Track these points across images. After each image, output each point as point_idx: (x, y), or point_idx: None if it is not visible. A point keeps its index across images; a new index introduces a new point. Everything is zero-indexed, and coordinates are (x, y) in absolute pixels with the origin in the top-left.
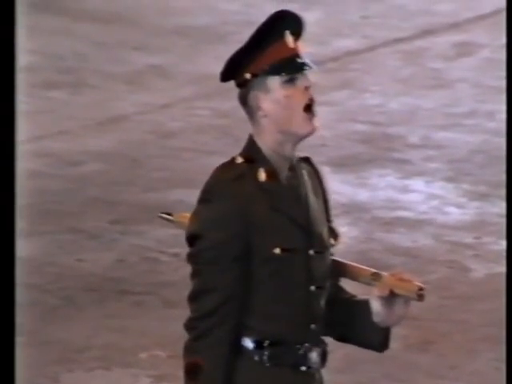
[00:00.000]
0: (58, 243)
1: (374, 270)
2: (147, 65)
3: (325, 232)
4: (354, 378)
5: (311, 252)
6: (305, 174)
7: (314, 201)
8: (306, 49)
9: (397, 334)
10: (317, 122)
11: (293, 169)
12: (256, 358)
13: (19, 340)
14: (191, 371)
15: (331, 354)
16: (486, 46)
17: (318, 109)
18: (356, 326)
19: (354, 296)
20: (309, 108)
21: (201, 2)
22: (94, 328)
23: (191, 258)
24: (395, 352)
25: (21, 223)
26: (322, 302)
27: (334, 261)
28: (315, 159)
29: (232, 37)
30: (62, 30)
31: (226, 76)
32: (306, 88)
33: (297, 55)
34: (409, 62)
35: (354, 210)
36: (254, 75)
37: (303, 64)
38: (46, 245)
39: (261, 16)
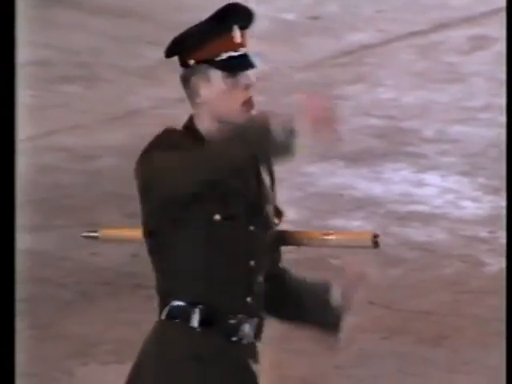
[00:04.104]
0: (73, 237)
1: (322, 231)
2: (161, 59)
3: (271, 210)
4: (367, 373)
5: (252, 228)
6: None
7: (266, 178)
8: (251, 45)
9: (410, 329)
10: (254, 112)
11: None
12: (187, 321)
13: (34, 333)
14: None
15: (345, 350)
16: (500, 39)
17: (334, 103)
18: (310, 307)
19: (306, 278)
20: (247, 103)
21: None
22: (108, 322)
23: (148, 197)
24: (409, 347)
25: (35, 218)
26: (260, 279)
27: (278, 232)
28: (329, 153)
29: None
30: (76, 25)
31: (169, 54)
32: (247, 86)
33: (243, 52)
34: (423, 56)
35: (369, 204)
36: (198, 62)
37: (247, 63)
38: (60, 239)
39: (274, 11)
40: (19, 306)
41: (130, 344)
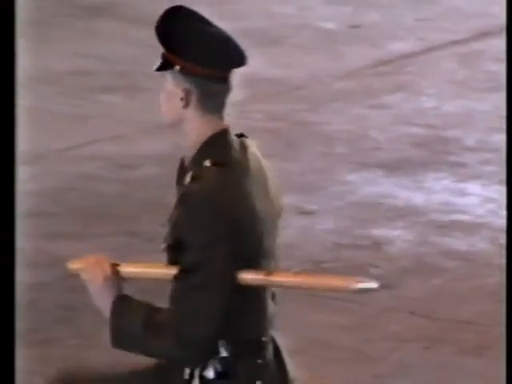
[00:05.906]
0: (113, 246)
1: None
2: None
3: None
4: (407, 383)
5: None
6: None
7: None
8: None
9: (451, 339)
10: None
11: None
12: None
13: (80, 342)
14: None
15: (385, 360)
16: None
17: (373, 112)
18: None
19: None
20: None
21: (256, 5)
22: None
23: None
24: (449, 357)
25: (75, 226)
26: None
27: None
28: (369, 162)
29: (286, 40)
30: (117, 35)
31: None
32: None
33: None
34: (464, 65)
35: (410, 213)
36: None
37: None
38: (100, 248)
39: (314, 20)
40: (66, 315)
41: None
